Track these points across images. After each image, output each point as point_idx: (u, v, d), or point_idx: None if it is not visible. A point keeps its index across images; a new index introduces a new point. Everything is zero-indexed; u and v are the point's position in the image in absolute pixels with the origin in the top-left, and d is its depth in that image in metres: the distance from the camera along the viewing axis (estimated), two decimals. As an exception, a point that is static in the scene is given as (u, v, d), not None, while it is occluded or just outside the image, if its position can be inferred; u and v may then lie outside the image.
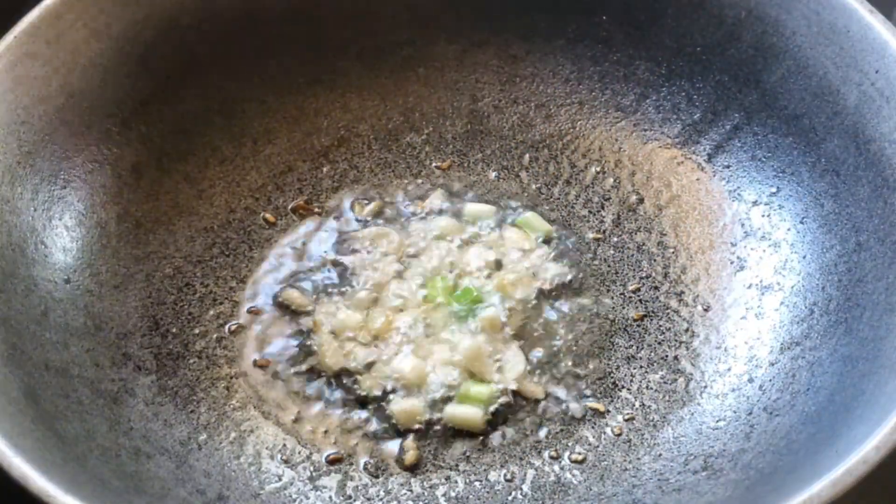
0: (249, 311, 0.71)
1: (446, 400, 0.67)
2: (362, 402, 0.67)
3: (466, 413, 0.66)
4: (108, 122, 0.72)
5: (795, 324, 0.68)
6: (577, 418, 0.67)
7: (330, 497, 0.64)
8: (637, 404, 0.67)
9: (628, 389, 0.68)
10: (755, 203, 0.73)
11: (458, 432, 0.66)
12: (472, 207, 0.75)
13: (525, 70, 0.79)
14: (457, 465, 0.65)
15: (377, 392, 0.67)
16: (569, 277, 0.72)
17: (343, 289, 0.71)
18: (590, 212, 0.75)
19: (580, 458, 0.65)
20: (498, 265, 0.72)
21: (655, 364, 0.69)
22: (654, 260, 0.73)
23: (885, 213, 0.65)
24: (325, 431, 0.66)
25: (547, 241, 0.74)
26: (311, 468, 0.65)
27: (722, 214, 0.74)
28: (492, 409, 0.67)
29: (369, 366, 0.68)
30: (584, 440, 0.66)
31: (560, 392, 0.68)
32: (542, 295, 0.71)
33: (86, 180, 0.71)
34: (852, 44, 0.67)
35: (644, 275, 0.73)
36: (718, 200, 0.74)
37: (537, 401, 0.67)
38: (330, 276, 0.72)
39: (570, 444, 0.66)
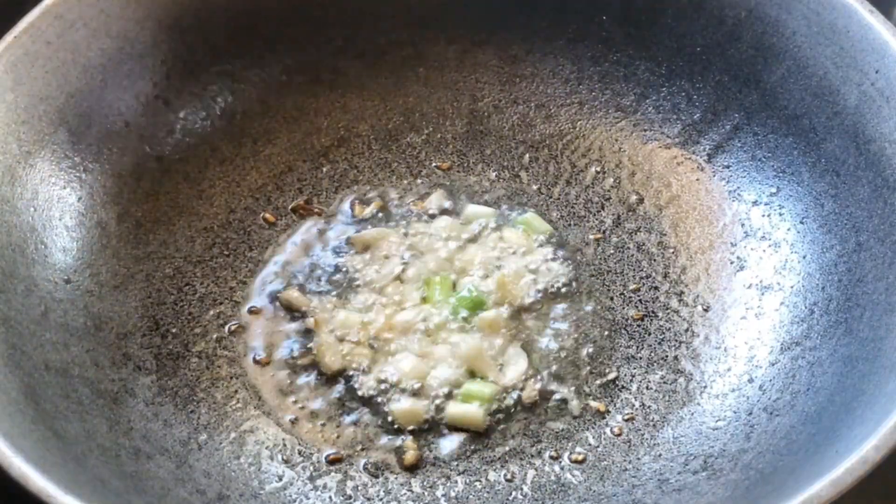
0: (249, 311, 0.71)
1: (447, 399, 0.67)
2: (362, 402, 0.67)
3: (467, 412, 0.66)
4: (108, 122, 0.72)
5: (795, 324, 0.68)
6: (577, 418, 0.67)
7: (330, 497, 0.64)
8: (637, 404, 0.67)
9: (628, 389, 0.68)
10: (755, 203, 0.73)
11: (458, 432, 0.66)
12: (472, 208, 0.75)
13: (525, 70, 0.79)
14: (457, 465, 0.65)
15: (377, 392, 0.67)
16: (569, 277, 0.72)
17: (343, 289, 0.71)
18: (590, 212, 0.75)
19: (580, 458, 0.65)
20: (498, 265, 0.72)
21: (655, 364, 0.69)
22: (654, 260, 0.73)
23: (885, 213, 0.65)
24: (325, 431, 0.66)
25: (547, 241, 0.74)
26: (311, 468, 0.65)
27: (722, 214, 0.74)
28: (492, 408, 0.67)
29: (369, 365, 0.68)
30: (584, 440, 0.66)
31: (560, 392, 0.68)
32: (543, 295, 0.71)
33: (86, 180, 0.71)
34: (852, 44, 0.67)
35: (644, 275, 0.73)
36: (718, 200, 0.74)
37: (537, 401, 0.67)
38: (330, 276, 0.72)
39: (570, 444, 0.66)
